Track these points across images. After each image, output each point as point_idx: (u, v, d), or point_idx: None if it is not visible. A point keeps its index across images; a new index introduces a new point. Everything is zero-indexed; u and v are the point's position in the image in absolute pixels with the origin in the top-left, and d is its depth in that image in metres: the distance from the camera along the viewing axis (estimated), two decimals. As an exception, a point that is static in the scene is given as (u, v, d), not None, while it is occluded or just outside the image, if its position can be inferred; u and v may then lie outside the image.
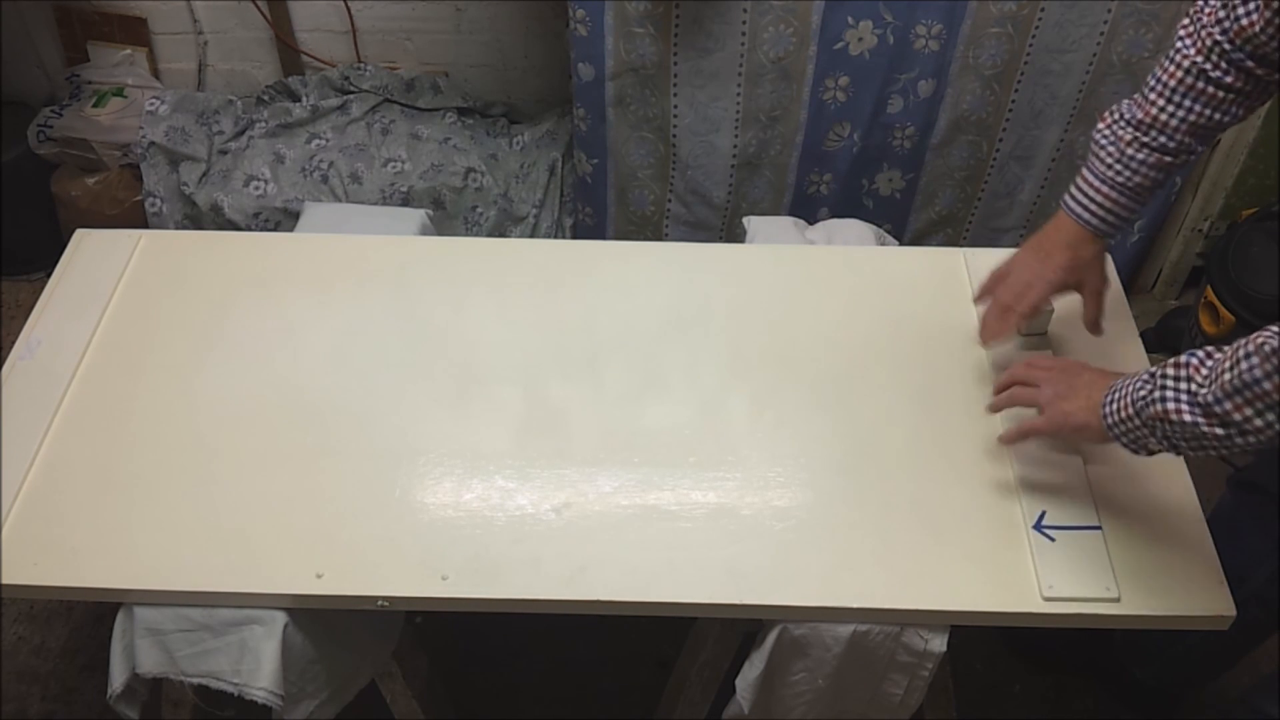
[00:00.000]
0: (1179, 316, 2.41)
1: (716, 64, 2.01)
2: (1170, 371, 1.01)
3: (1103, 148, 1.23)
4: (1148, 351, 1.41)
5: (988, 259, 1.53)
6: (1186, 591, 1.16)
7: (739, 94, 2.06)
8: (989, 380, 1.36)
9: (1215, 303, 2.15)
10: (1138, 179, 1.22)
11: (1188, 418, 0.98)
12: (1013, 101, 2.10)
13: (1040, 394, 1.17)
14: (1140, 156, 1.21)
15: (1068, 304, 1.44)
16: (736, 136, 2.13)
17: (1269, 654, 1.64)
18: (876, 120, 2.12)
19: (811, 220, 1.75)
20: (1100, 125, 1.24)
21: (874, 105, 2.08)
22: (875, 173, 2.23)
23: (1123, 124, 1.22)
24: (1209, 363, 0.99)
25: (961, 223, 2.34)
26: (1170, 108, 1.18)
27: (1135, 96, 1.22)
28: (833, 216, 2.08)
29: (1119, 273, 1.53)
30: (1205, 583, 1.16)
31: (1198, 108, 1.17)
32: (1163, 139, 1.19)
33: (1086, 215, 1.26)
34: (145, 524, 1.21)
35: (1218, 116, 1.18)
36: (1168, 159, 1.20)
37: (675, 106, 2.08)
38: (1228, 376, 0.95)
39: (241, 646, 1.18)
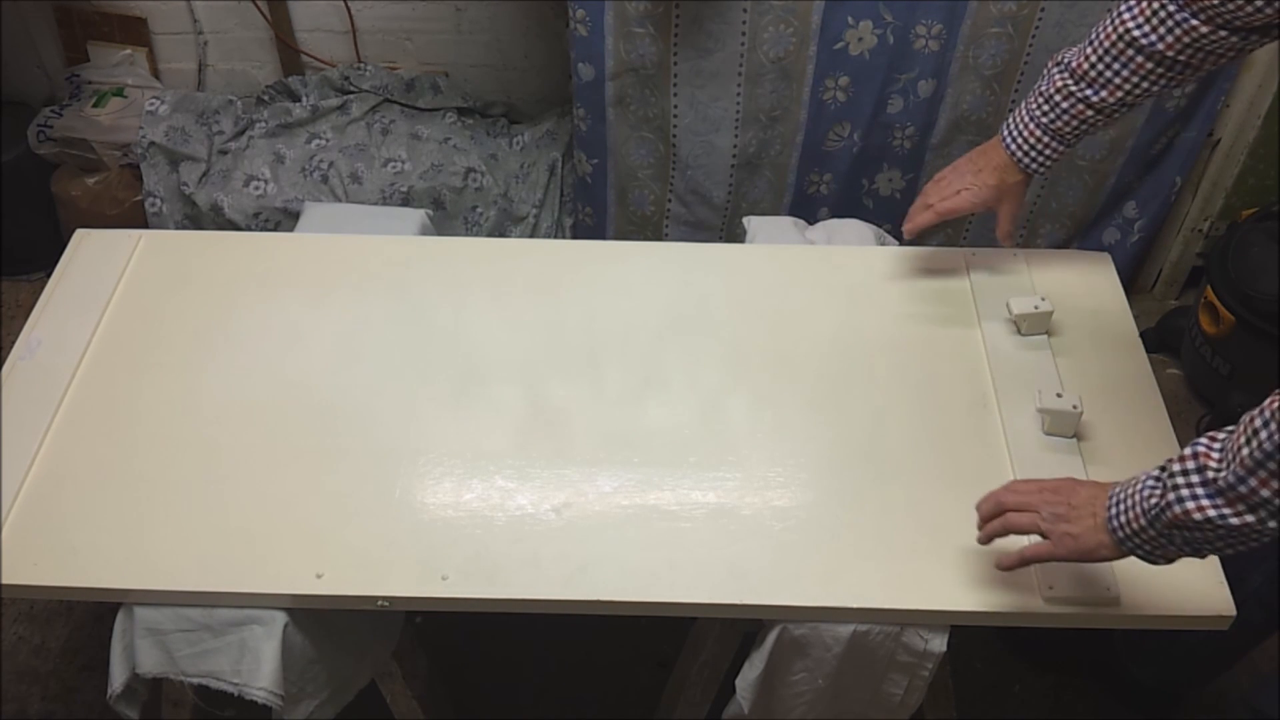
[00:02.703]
0: (1179, 316, 2.41)
1: (716, 64, 2.01)
2: (1178, 466, 0.92)
3: (1039, 88, 1.28)
4: (1148, 351, 1.41)
5: (988, 259, 1.53)
6: (1186, 592, 1.16)
7: (739, 94, 2.06)
8: (988, 380, 1.37)
9: (1215, 303, 2.15)
10: (1060, 123, 1.26)
11: (1211, 513, 0.89)
12: (1012, 101, 2.10)
13: (1038, 520, 1.05)
14: (1065, 105, 1.25)
15: (1067, 305, 1.44)
16: (736, 136, 2.13)
17: (1269, 654, 1.64)
18: (876, 120, 2.12)
19: (811, 220, 1.75)
20: (1049, 64, 1.27)
21: (874, 105, 2.08)
22: (875, 173, 2.23)
23: (1060, 69, 1.25)
24: (1216, 445, 0.90)
25: (961, 223, 2.34)
26: (1100, 66, 1.20)
27: (1081, 44, 1.24)
28: (833, 216, 2.08)
29: (1119, 273, 1.53)
30: (1205, 583, 1.16)
31: (1125, 73, 1.19)
32: (1089, 92, 1.23)
33: (1014, 148, 1.31)
34: (145, 524, 1.21)
35: (1145, 85, 1.19)
36: (1090, 112, 1.24)
37: (675, 106, 2.08)
38: (1246, 451, 0.86)
39: (241, 646, 1.18)
